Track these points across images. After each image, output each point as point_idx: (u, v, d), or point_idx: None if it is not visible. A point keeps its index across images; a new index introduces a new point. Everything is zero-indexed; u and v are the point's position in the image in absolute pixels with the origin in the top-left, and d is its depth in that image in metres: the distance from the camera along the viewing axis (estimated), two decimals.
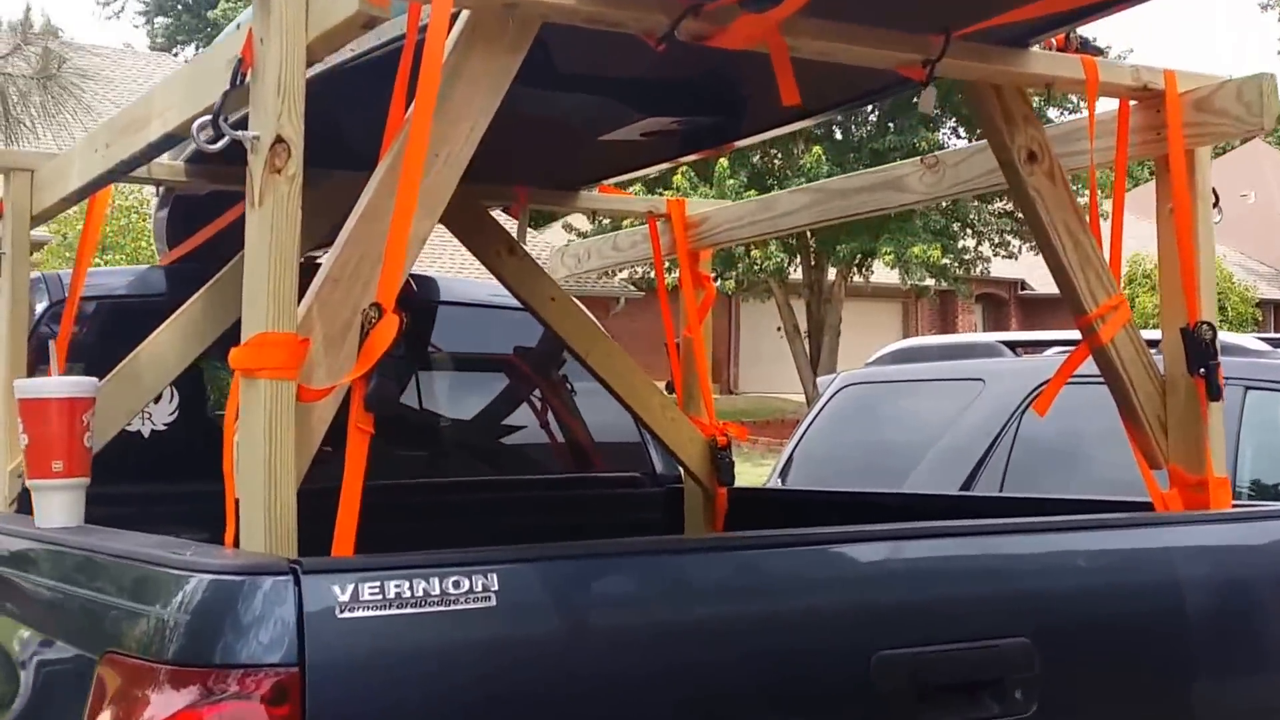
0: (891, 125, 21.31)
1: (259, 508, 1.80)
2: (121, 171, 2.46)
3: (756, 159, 20.90)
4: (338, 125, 2.59)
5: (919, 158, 3.12)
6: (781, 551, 2.11)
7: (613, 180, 3.70)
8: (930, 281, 21.97)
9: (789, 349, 23.27)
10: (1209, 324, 2.61)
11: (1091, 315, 2.62)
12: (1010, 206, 21.91)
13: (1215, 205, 2.74)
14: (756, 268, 21.52)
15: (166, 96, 2.22)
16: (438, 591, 1.67)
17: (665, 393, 3.75)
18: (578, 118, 2.96)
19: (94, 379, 2.48)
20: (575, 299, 3.68)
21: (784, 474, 5.91)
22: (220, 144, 1.89)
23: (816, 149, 20.47)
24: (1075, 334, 6.48)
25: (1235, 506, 2.70)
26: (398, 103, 1.95)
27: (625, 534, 3.88)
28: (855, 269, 22.70)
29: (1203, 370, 2.60)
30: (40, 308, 3.22)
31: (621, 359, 3.68)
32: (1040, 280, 31.44)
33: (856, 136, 21.97)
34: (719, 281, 22.12)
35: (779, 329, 24.61)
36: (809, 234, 22.38)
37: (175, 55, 37.96)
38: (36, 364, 2.87)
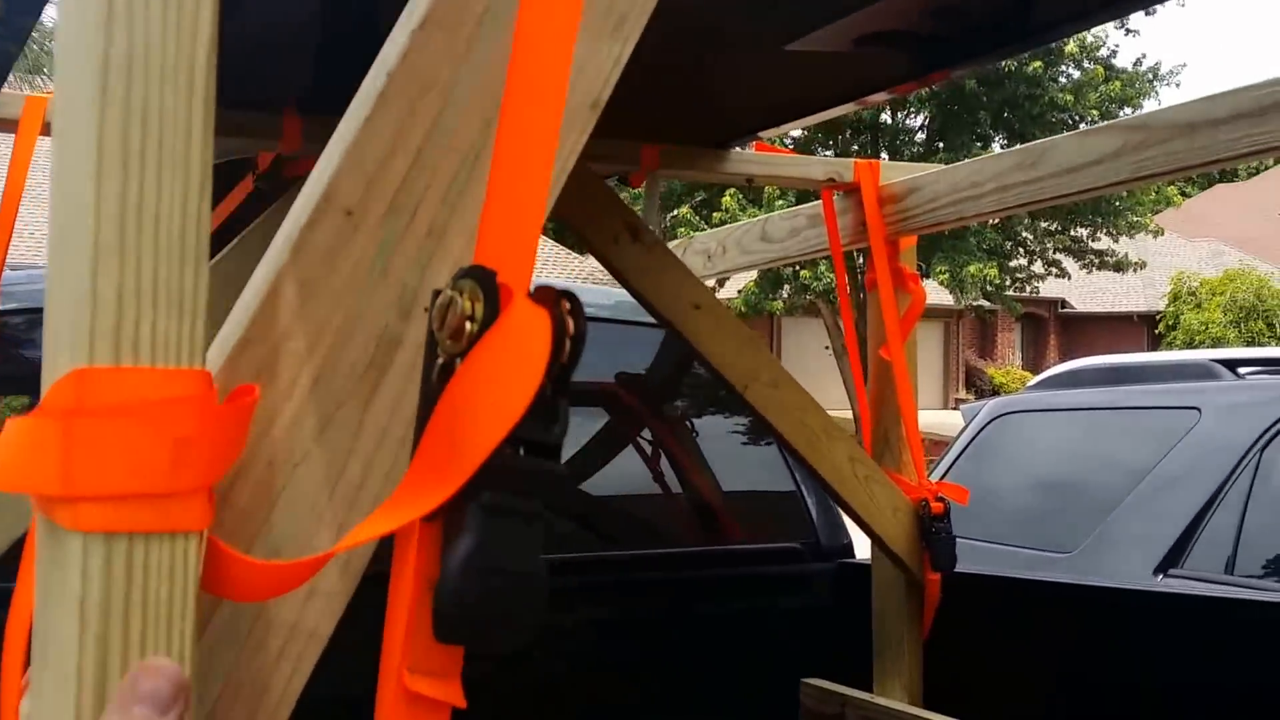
0: None
1: None
2: None
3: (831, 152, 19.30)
4: None
5: None
6: None
7: (779, 132, 2.40)
8: (983, 301, 20.61)
9: (834, 365, 21.98)
10: None
11: None
12: (1061, 228, 20.59)
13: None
14: (806, 289, 20.24)
15: None
16: None
17: (855, 441, 2.44)
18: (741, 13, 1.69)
19: None
20: (724, 306, 2.37)
21: None
22: None
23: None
24: None
25: None
26: None
27: (781, 630, 2.61)
28: None
29: None
30: None
31: (793, 393, 2.37)
32: (1080, 298, 29.97)
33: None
34: (767, 300, 20.91)
35: (827, 347, 23.37)
36: (855, 255, 21.01)
37: None
38: None
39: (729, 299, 20.67)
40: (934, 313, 26.52)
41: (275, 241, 0.58)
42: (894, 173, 2.47)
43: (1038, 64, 18.34)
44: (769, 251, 2.78)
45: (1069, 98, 18.71)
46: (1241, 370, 4.06)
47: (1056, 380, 4.65)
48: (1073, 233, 20.83)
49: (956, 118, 19.56)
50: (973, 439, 4.60)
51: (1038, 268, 21.22)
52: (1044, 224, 20.44)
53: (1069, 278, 22.12)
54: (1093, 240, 21.03)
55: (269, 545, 0.58)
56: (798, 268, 19.63)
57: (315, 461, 0.59)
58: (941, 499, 2.45)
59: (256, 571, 0.52)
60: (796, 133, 18.98)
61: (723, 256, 2.88)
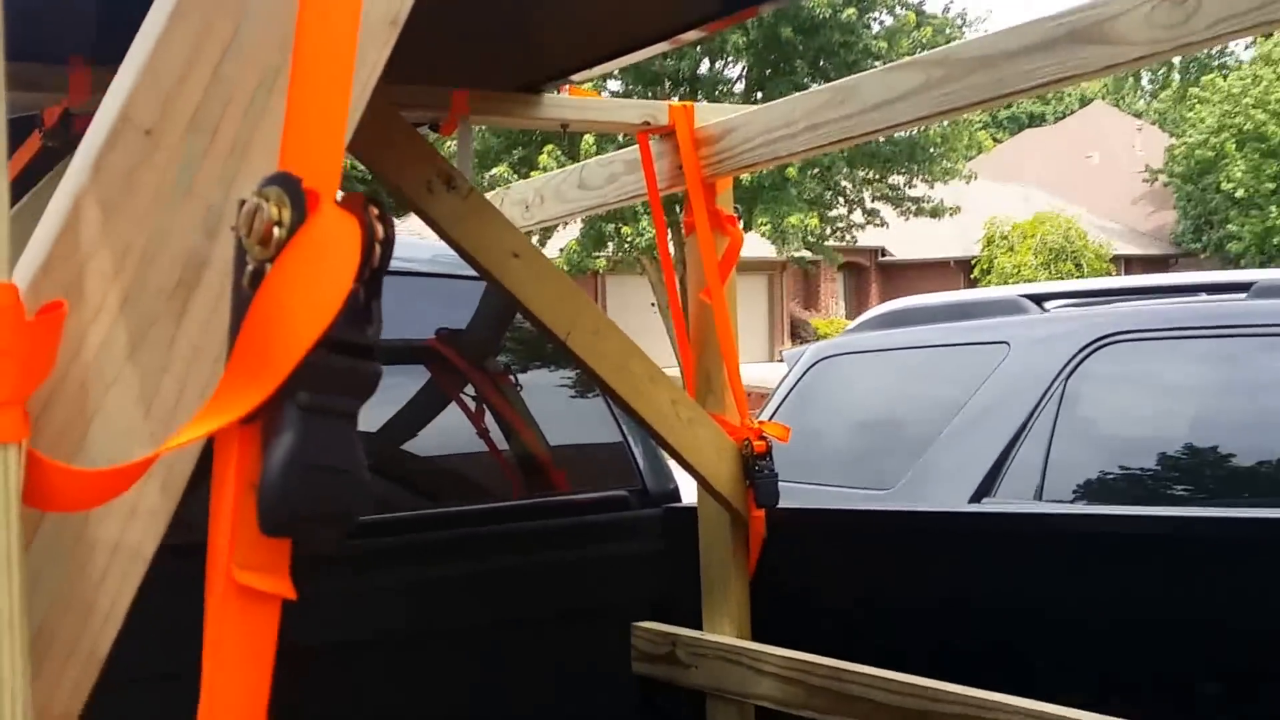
0: None
1: None
2: None
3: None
4: None
5: None
6: None
7: (589, 76, 2.43)
8: (805, 252, 21.15)
9: (660, 323, 22.26)
10: None
11: None
12: (879, 175, 21.25)
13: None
14: (629, 244, 20.41)
15: None
16: None
17: (678, 386, 2.52)
18: None
19: None
20: (543, 254, 2.41)
21: None
22: None
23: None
24: (1122, 281, 5.36)
25: None
26: None
27: (610, 577, 2.68)
28: None
29: None
30: None
31: (615, 339, 2.43)
32: (899, 246, 31.01)
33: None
34: (590, 259, 21.01)
35: (653, 304, 23.61)
36: (678, 210, 21.28)
37: None
38: None
39: (551, 259, 20.69)
40: (757, 265, 27.06)
41: (74, 162, 0.60)
42: (710, 114, 2.54)
43: (851, 10, 18.82)
44: (587, 199, 2.82)
45: (883, 44, 19.26)
46: (1047, 305, 4.30)
47: (873, 323, 4.83)
48: (889, 180, 21.51)
49: (774, 66, 19.94)
50: (795, 384, 4.76)
51: (857, 217, 21.87)
52: (861, 172, 21.05)
53: (888, 226, 22.84)
54: (909, 187, 21.76)
55: (86, 465, 0.60)
56: (620, 225, 19.77)
57: (128, 381, 0.61)
58: (764, 438, 2.55)
59: (77, 480, 0.54)
60: (615, 85, 19.05)
61: (540, 206, 2.91)
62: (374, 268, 0.56)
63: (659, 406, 2.46)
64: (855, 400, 4.64)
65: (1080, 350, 3.94)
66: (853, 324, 5.05)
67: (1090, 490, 3.74)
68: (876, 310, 5.00)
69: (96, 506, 0.57)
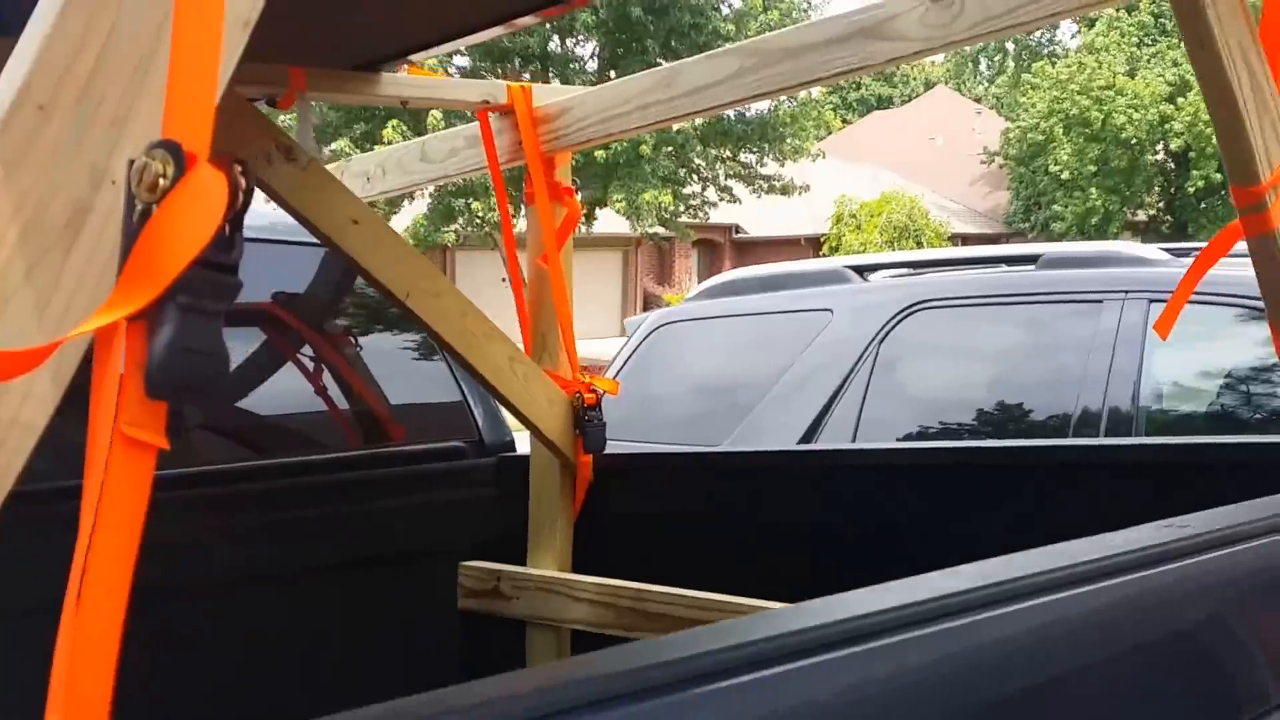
0: None
1: None
2: None
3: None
4: None
5: None
6: None
7: (427, 56, 2.61)
8: (659, 228, 21.50)
9: (510, 297, 22.37)
10: None
11: (1265, 185, 1.75)
12: (731, 153, 21.70)
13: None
14: (479, 220, 20.48)
15: None
16: None
17: (513, 343, 2.72)
18: None
19: None
20: (382, 221, 2.58)
21: None
22: None
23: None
24: (934, 253, 5.73)
25: None
26: None
27: (444, 521, 2.88)
28: (583, 219, 22.01)
29: None
30: None
31: (454, 299, 2.62)
32: (751, 224, 31.67)
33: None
34: (438, 233, 20.97)
35: (504, 279, 23.66)
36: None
37: None
38: None
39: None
40: (612, 241, 27.33)
41: None
42: (548, 95, 2.75)
43: None
44: (429, 171, 3.00)
45: (731, 27, 19.68)
46: (869, 275, 4.64)
47: (709, 292, 5.11)
48: (741, 158, 21.99)
49: (626, 46, 20.18)
50: (635, 350, 5.01)
51: (711, 194, 22.29)
52: (714, 150, 21.47)
53: (740, 203, 23.34)
54: (760, 165, 22.28)
55: None
56: (470, 200, 19.80)
57: (24, 297, 0.79)
58: (594, 391, 2.78)
59: None
60: (463, 61, 19.01)
61: (382, 178, 3.07)
62: (236, 209, 0.77)
63: (495, 363, 2.66)
64: (690, 364, 4.91)
65: (893, 316, 4.27)
66: (690, 293, 5.32)
67: (894, 438, 4.07)
68: (712, 280, 5.28)
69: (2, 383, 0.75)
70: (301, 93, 2.52)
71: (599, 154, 18.92)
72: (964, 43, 2.09)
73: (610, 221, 22.85)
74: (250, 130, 2.41)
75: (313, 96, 2.58)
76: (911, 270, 4.82)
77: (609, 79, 20.11)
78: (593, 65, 21.00)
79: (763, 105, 22.45)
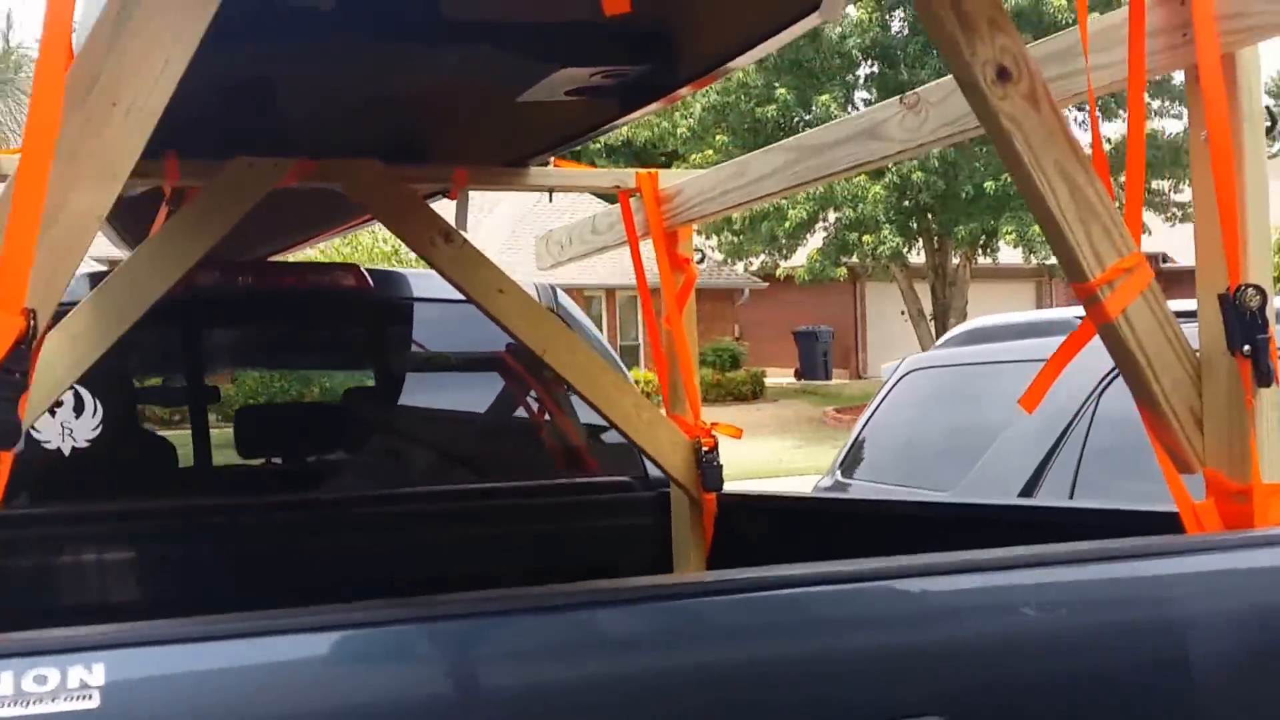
0: None
1: None
2: None
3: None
4: None
5: (898, 97, 2.48)
6: None
7: (560, 150, 3.12)
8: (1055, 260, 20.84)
9: (914, 332, 22.44)
10: (1257, 288, 1.91)
11: (1095, 281, 1.94)
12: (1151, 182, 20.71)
13: (1271, 130, 2.05)
14: (871, 254, 20.74)
15: None
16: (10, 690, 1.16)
17: (640, 392, 3.16)
18: (484, 76, 2.43)
19: None
20: (525, 291, 3.11)
21: (846, 461, 5.30)
22: None
23: None
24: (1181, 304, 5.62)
25: None
26: None
27: (610, 543, 3.37)
28: (980, 250, 21.71)
29: (1247, 348, 1.91)
30: None
31: (586, 355, 3.10)
32: (1182, 253, 29.74)
33: None
34: (833, 269, 21.41)
35: (903, 313, 23.74)
36: (929, 216, 21.50)
37: None
38: None
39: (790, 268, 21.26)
40: (1019, 273, 26.64)
41: None
42: (669, 178, 3.19)
43: None
44: (598, 240, 3.52)
45: None
46: None
47: (964, 337, 5.25)
48: (1153, 185, 20.94)
49: None
50: (887, 394, 5.25)
51: None
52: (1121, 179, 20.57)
53: (1150, 233, 22.22)
54: (1175, 192, 21.13)
55: None
56: (861, 234, 20.13)
57: None
58: (714, 436, 3.16)
59: None
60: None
61: (570, 246, 3.63)
62: (28, 339, 1.30)
63: (624, 411, 3.12)
64: (932, 410, 5.09)
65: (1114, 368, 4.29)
66: (941, 340, 5.48)
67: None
68: (964, 326, 5.42)
69: None
70: (463, 187, 3.10)
71: (989, 185, 18.68)
72: (933, 145, 2.35)
73: (1019, 253, 22.36)
74: (420, 220, 3.02)
75: (473, 188, 3.14)
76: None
77: None
78: None
79: (1176, 128, 21.26)
